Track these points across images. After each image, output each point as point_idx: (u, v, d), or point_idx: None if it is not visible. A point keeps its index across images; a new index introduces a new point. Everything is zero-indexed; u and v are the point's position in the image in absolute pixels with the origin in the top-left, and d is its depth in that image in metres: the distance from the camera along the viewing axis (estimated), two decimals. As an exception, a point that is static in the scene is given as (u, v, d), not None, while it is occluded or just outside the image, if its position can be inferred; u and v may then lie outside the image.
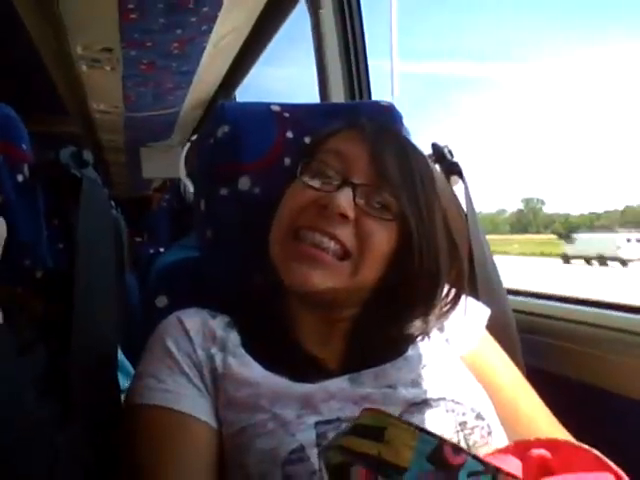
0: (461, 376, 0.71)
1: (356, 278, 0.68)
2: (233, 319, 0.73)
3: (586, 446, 0.53)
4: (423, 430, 0.46)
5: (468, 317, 0.78)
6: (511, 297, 1.00)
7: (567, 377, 0.95)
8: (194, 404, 0.65)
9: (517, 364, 0.82)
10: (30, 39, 2.36)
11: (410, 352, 0.71)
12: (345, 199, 0.67)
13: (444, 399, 0.65)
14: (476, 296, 0.88)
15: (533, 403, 0.77)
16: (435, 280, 0.71)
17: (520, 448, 0.56)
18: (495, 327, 0.83)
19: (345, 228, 0.67)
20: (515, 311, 0.97)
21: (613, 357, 0.89)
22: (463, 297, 0.77)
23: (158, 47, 2.33)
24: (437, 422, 0.63)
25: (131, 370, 1.11)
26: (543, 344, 1.00)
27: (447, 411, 0.64)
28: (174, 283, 0.86)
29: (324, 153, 0.73)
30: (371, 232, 0.68)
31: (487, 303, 0.87)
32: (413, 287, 0.71)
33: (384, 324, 0.71)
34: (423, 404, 0.64)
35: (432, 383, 0.67)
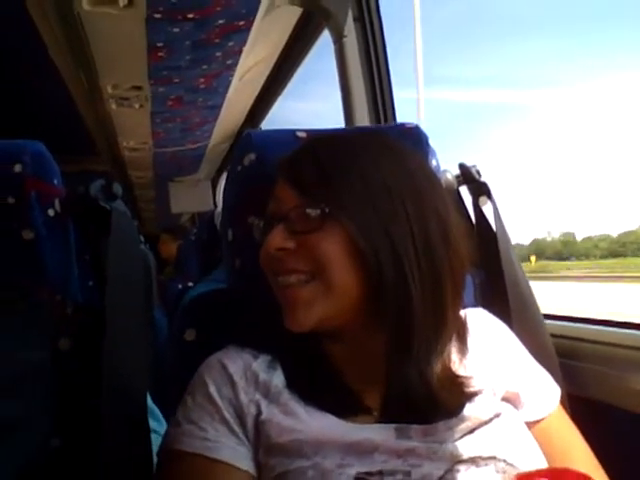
0: (519, 437, 0.67)
1: (333, 291, 0.65)
2: (274, 357, 0.71)
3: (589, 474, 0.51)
4: None
5: (540, 388, 0.75)
6: (549, 322, 0.96)
7: (610, 405, 0.90)
8: (234, 453, 0.63)
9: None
10: (62, 80, 2.43)
11: (465, 412, 0.65)
12: (277, 234, 0.67)
13: (494, 458, 0.62)
14: (509, 321, 0.85)
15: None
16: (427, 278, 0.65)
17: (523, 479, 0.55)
18: (532, 353, 0.79)
19: (294, 257, 0.66)
20: (553, 336, 0.93)
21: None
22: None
23: (185, 83, 2.38)
24: None
25: (157, 411, 1.10)
26: (584, 370, 0.95)
27: (497, 472, 0.61)
28: (203, 315, 0.85)
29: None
30: (313, 245, 0.65)
31: (521, 328, 0.84)
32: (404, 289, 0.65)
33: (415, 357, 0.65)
34: (471, 462, 0.61)
35: (484, 441, 0.63)
